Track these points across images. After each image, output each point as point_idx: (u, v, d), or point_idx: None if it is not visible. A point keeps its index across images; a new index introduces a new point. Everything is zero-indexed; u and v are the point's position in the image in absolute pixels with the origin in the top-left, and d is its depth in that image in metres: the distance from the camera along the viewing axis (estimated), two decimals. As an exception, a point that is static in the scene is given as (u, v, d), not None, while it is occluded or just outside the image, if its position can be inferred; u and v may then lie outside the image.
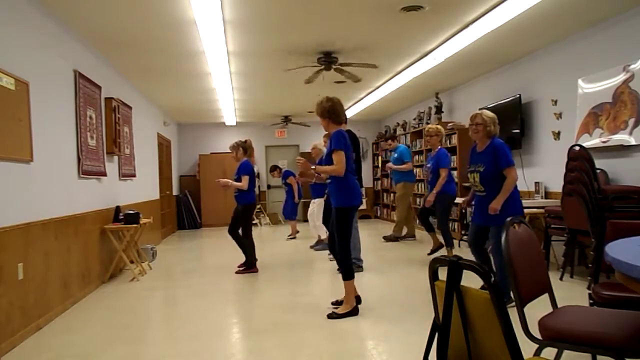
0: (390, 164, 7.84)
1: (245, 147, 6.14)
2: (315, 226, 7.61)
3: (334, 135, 3.96)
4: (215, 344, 3.49)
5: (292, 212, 9.34)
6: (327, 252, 7.23)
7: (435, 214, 6.19)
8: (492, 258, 4.10)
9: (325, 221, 5.32)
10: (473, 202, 4.28)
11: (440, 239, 6.25)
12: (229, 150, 6.27)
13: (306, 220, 8.37)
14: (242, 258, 6.09)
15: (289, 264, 6.62)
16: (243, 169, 5.99)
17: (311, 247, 7.74)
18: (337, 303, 4.13)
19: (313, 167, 4.20)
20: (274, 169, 10.08)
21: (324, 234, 7.06)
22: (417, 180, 9.03)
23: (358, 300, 4.11)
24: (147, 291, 5.27)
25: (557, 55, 5.97)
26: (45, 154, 4.16)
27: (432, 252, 6.41)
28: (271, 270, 6.10)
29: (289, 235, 9.25)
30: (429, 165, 6.17)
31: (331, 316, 3.92)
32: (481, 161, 3.99)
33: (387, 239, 8.06)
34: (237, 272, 5.96)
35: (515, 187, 3.99)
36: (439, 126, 6.36)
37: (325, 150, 7.50)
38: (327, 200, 4.18)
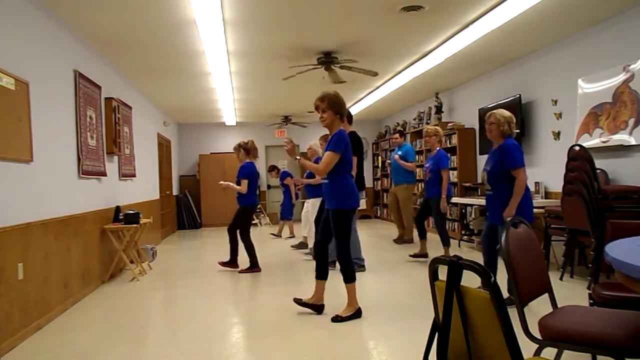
0: (397, 157, 7.51)
1: (247, 149, 6.14)
2: (309, 226, 7.57)
3: (335, 136, 3.81)
4: (215, 344, 3.49)
5: (289, 212, 9.39)
6: (306, 251, 7.21)
7: (432, 214, 6.21)
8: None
9: (318, 221, 5.26)
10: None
11: (441, 247, 6.21)
12: (233, 151, 6.30)
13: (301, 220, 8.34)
14: (245, 259, 6.10)
15: (288, 264, 6.62)
16: (242, 172, 6.02)
17: (292, 246, 7.76)
18: (301, 302, 4.10)
19: (298, 157, 4.03)
20: (272, 168, 10.10)
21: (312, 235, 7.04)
22: (417, 180, 9.00)
23: (319, 308, 4.06)
24: (147, 291, 5.27)
25: (557, 55, 5.97)
26: (45, 154, 4.16)
27: (415, 256, 6.32)
28: (270, 270, 6.10)
29: (290, 236, 9.30)
30: (427, 165, 6.18)
31: (335, 319, 3.83)
32: (490, 160, 4.06)
33: (399, 242, 7.97)
34: (240, 272, 5.99)
35: (527, 189, 3.97)
36: (437, 127, 6.37)
37: (321, 151, 7.44)
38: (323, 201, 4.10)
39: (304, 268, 6.24)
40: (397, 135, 7.88)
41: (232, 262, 6.13)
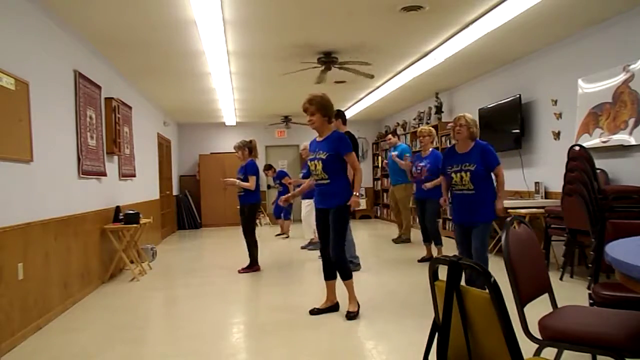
0: (394, 155, 7.45)
1: (250, 147, 6.16)
2: (310, 227, 7.56)
3: (343, 138, 3.92)
4: (215, 344, 3.49)
5: (288, 211, 9.44)
6: (318, 252, 7.21)
7: (425, 214, 6.26)
8: (475, 255, 4.08)
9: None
10: (450, 202, 4.33)
11: (434, 251, 6.30)
12: (234, 150, 6.29)
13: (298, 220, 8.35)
14: (246, 258, 6.10)
15: (288, 263, 6.62)
16: (250, 169, 6.03)
17: (302, 247, 7.75)
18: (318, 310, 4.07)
19: (356, 194, 3.90)
20: (268, 167, 10.06)
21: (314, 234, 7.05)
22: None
23: (336, 307, 4.09)
24: (147, 291, 5.27)
25: (557, 55, 5.97)
26: (45, 154, 4.16)
27: (423, 260, 6.31)
28: (270, 270, 6.10)
29: (281, 234, 9.36)
30: (422, 164, 6.17)
31: (350, 316, 3.86)
32: (469, 161, 4.05)
33: (397, 241, 8.01)
34: (240, 272, 5.97)
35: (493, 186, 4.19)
36: (432, 128, 6.41)
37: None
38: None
39: (305, 268, 6.24)
40: (390, 136, 7.83)
41: (253, 265, 6.11)
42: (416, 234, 8.31)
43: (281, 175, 9.40)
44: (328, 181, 3.91)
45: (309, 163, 4.06)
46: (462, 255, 4.17)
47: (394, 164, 7.55)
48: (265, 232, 10.62)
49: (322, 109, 3.87)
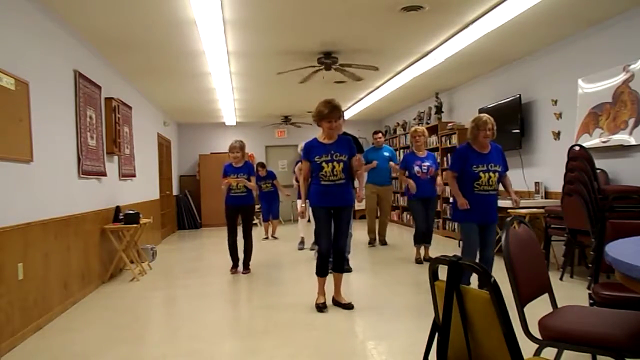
0: (392, 164, 7.40)
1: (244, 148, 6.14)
2: (306, 226, 7.54)
3: (350, 141, 4.26)
4: (215, 344, 3.49)
5: (277, 212, 9.44)
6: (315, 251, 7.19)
7: (430, 213, 6.29)
8: (490, 251, 4.24)
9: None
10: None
11: (421, 250, 6.35)
12: (229, 151, 6.13)
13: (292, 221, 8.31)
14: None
15: (287, 263, 6.62)
16: (253, 169, 6.08)
17: (300, 248, 7.74)
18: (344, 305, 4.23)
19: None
20: (262, 166, 9.90)
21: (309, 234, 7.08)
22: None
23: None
24: (147, 291, 5.27)
25: (557, 55, 5.97)
26: (45, 154, 4.16)
27: (419, 262, 6.30)
28: (270, 270, 6.11)
29: (270, 236, 9.33)
30: (427, 164, 6.15)
31: (352, 306, 4.18)
32: (494, 161, 4.10)
33: (374, 244, 7.97)
34: (243, 272, 5.96)
35: None
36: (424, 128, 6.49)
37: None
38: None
39: (303, 267, 6.24)
40: (380, 134, 7.71)
41: (247, 266, 6.09)
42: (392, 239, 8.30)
43: (272, 175, 9.33)
44: (344, 180, 4.14)
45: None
46: (474, 255, 4.22)
47: (385, 164, 7.43)
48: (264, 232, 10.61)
49: (340, 115, 4.20)
